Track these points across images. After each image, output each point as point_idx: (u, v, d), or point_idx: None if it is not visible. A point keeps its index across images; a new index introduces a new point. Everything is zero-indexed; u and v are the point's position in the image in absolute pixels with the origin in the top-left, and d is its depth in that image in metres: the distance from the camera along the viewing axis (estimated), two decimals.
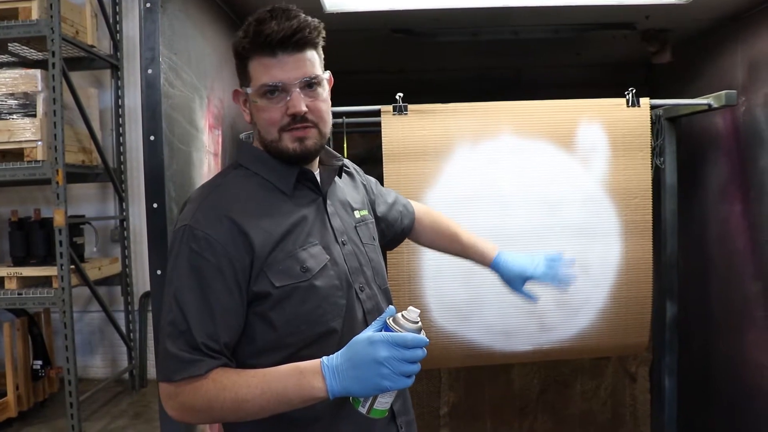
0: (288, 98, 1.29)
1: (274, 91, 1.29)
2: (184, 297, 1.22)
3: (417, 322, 1.17)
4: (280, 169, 1.35)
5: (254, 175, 1.36)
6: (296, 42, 1.27)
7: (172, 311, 1.22)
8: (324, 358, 1.17)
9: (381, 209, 1.69)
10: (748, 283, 2.48)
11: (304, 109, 1.29)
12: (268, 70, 1.28)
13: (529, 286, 1.79)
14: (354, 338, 1.17)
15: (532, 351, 2.48)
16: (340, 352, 1.17)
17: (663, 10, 2.38)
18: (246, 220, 1.26)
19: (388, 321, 1.17)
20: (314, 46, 1.32)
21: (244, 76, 1.33)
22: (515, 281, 1.78)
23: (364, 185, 1.65)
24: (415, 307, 1.20)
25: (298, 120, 1.30)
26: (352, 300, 1.36)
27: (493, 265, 1.79)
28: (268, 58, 1.28)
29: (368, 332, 1.17)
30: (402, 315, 1.17)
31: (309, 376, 1.16)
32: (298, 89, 1.29)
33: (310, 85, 1.31)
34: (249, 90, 1.32)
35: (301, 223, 1.33)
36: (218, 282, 1.22)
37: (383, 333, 1.15)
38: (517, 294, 1.80)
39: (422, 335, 1.15)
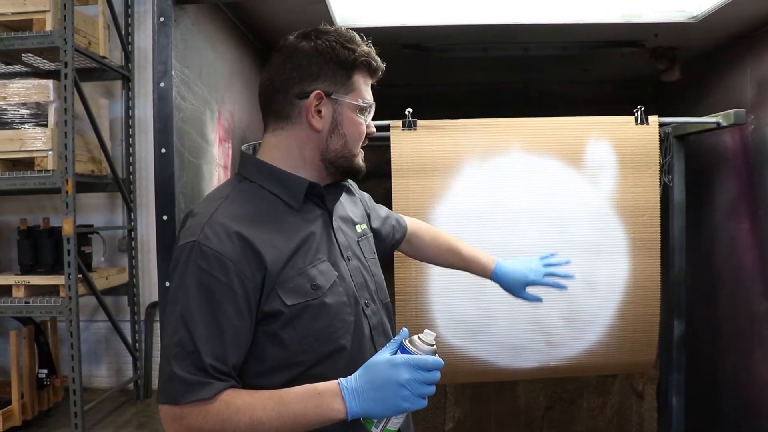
0: (369, 118, 1.40)
1: (368, 109, 1.39)
2: (192, 317, 1.18)
3: (433, 345, 1.19)
4: (290, 182, 1.35)
5: (259, 188, 1.34)
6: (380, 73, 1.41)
7: (178, 332, 1.18)
8: (342, 380, 1.18)
9: (375, 224, 1.72)
10: (756, 302, 2.46)
11: None
12: (367, 89, 1.38)
13: (531, 290, 1.89)
14: (371, 360, 1.18)
15: (539, 368, 2.47)
16: (357, 374, 1.18)
17: (672, 28, 2.39)
18: (257, 237, 1.24)
19: (405, 343, 1.19)
20: None
21: (343, 84, 1.35)
22: (517, 288, 1.88)
23: (360, 199, 1.68)
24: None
25: (366, 140, 1.42)
26: (359, 316, 1.35)
27: (493, 276, 1.88)
28: (368, 77, 1.39)
29: (385, 354, 1.18)
30: (419, 337, 1.19)
31: (328, 397, 1.16)
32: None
33: None
34: (359, 102, 1.36)
35: (310, 239, 1.32)
36: (228, 302, 1.19)
37: (404, 356, 1.16)
38: (520, 299, 1.89)
39: (437, 357, 1.18)
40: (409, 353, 1.17)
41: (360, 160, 1.40)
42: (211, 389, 1.15)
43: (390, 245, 1.81)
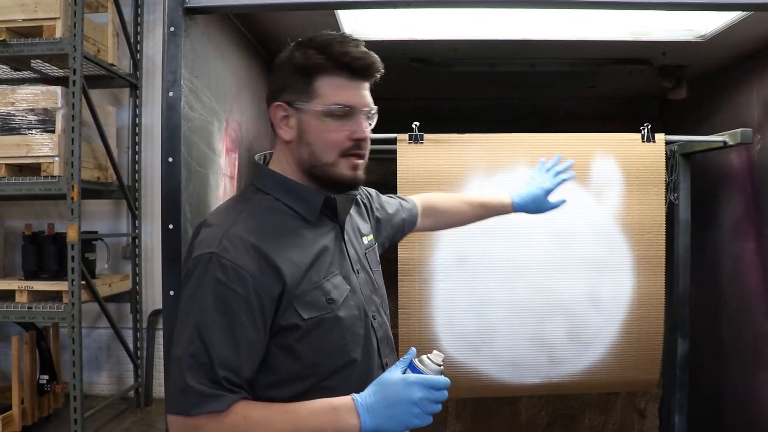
0: (354, 122, 1.30)
1: (343, 113, 1.29)
2: (207, 329, 1.18)
3: (441, 366, 1.24)
4: (306, 196, 1.34)
5: (275, 201, 1.34)
6: (373, 71, 1.31)
7: (193, 343, 1.17)
8: (356, 396, 1.21)
9: (385, 224, 1.70)
10: (760, 321, 2.45)
11: (369, 135, 1.33)
12: (340, 91, 1.29)
13: (551, 198, 2.03)
14: (384, 378, 1.21)
15: (541, 384, 2.46)
16: (371, 390, 1.21)
17: (680, 47, 2.40)
18: (275, 252, 1.24)
19: (415, 362, 1.23)
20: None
21: (304, 92, 1.29)
22: (542, 203, 2.01)
23: (365, 204, 1.63)
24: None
25: (359, 146, 1.32)
26: (368, 329, 1.37)
27: (516, 207, 1.98)
28: (343, 79, 1.29)
29: (397, 373, 1.21)
30: (428, 357, 1.24)
31: (344, 413, 1.18)
32: (364, 116, 1.32)
33: (370, 116, 1.35)
34: (319, 107, 1.28)
35: (324, 253, 1.32)
36: (245, 315, 1.19)
37: (417, 375, 1.20)
38: (549, 210, 2.03)
39: (445, 377, 1.22)
40: (420, 372, 1.21)
41: (344, 169, 1.31)
42: (225, 401, 1.15)
43: (405, 234, 1.81)
